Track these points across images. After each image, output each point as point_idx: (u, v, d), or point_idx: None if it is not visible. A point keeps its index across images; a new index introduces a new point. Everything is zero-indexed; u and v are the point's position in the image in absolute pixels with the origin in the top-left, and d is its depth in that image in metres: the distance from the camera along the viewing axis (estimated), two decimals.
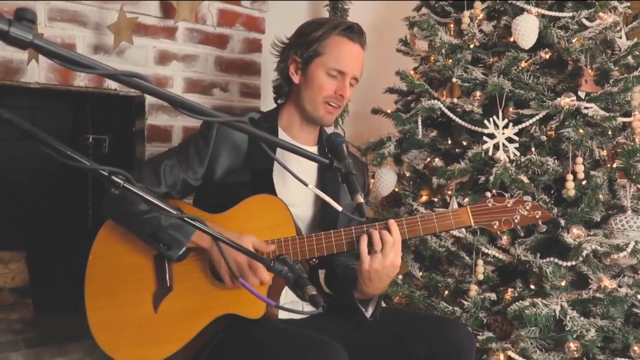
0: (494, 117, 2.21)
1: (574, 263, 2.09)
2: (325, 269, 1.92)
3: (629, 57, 2.24)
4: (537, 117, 2.19)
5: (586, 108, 2.14)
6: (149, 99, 2.39)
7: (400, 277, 2.28)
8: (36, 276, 2.52)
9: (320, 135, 1.91)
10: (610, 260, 2.13)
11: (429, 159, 2.46)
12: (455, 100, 2.31)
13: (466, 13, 2.34)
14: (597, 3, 2.23)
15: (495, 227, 1.69)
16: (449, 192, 2.29)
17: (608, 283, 2.10)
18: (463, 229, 2.16)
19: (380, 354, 1.69)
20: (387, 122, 2.50)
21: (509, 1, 2.28)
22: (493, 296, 2.17)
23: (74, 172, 2.35)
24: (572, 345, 2.01)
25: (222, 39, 2.56)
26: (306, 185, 1.39)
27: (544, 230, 1.80)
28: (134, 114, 2.44)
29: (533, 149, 2.23)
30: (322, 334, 1.57)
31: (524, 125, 2.21)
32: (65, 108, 2.80)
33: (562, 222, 2.13)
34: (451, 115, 2.29)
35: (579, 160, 2.13)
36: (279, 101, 1.95)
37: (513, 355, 2.04)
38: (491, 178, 2.13)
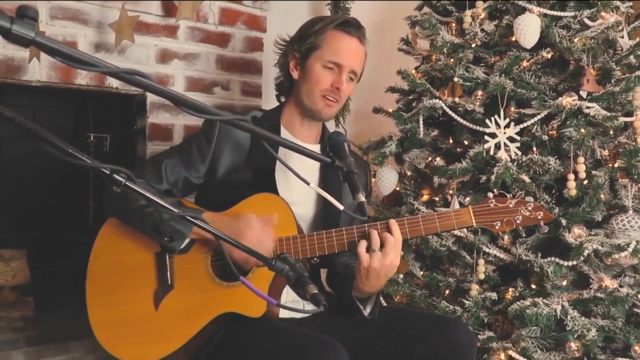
0: (496, 116, 2.21)
1: (575, 263, 2.09)
2: (327, 268, 1.92)
3: (631, 57, 2.23)
4: (539, 117, 2.19)
5: (588, 108, 2.13)
6: (151, 97, 2.39)
7: (401, 276, 2.28)
8: (37, 274, 2.52)
9: (322, 134, 1.91)
10: (612, 260, 2.13)
11: (430, 158, 2.46)
12: (456, 99, 2.31)
13: (468, 12, 2.33)
14: (599, 3, 2.23)
15: (497, 227, 1.69)
16: (450, 192, 2.29)
17: (609, 283, 2.10)
18: (464, 229, 2.16)
19: (381, 353, 1.69)
20: (388, 121, 2.50)
21: (511, 0, 2.27)
22: (494, 296, 2.17)
23: (75, 170, 2.37)
24: (573, 345, 2.01)
25: (223, 37, 2.56)
26: (308, 184, 1.39)
27: (546, 231, 1.80)
28: (136, 112, 2.44)
29: (534, 149, 2.23)
30: (323, 333, 1.57)
31: (525, 124, 2.20)
32: (67, 106, 2.81)
33: (564, 221, 2.13)
34: (453, 114, 2.28)
35: (581, 160, 2.13)
36: (281, 99, 1.95)
37: (514, 354, 2.04)
38: (492, 177, 2.13)
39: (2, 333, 2.23)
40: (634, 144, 2.17)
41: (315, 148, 1.88)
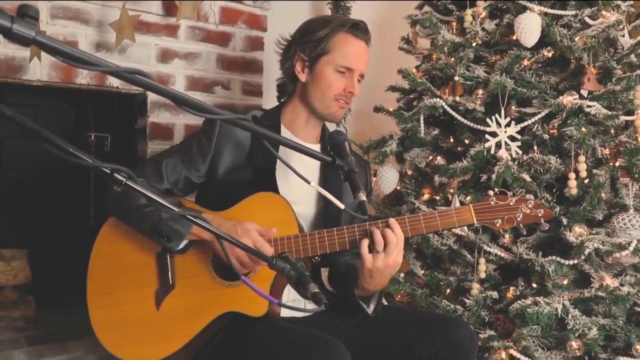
0: (496, 115, 2.21)
1: (576, 261, 2.09)
2: (328, 268, 1.92)
3: (632, 56, 2.23)
4: (540, 116, 2.19)
5: (589, 106, 2.13)
6: (151, 97, 2.39)
7: (402, 275, 2.28)
8: (38, 274, 2.52)
9: (322, 133, 1.91)
10: (613, 258, 2.13)
11: (431, 157, 2.46)
12: (457, 98, 2.31)
13: (469, 11, 2.33)
14: (600, 1, 2.23)
15: (497, 225, 1.69)
16: (451, 191, 2.29)
17: (610, 282, 2.10)
18: (465, 227, 2.16)
19: (383, 352, 1.69)
20: (389, 120, 2.50)
21: None
22: (495, 294, 2.17)
23: (76, 170, 2.37)
24: (574, 344, 2.01)
25: (224, 36, 2.56)
26: (309, 183, 1.39)
27: (546, 228, 1.80)
28: (136, 111, 2.44)
29: (535, 148, 2.23)
30: (324, 332, 1.57)
31: (526, 123, 2.20)
32: (67, 106, 2.81)
33: (564, 220, 2.13)
34: (453, 113, 2.28)
35: (582, 158, 2.13)
36: (282, 99, 1.95)
37: (515, 353, 2.04)
38: (493, 176, 2.13)
39: (3, 333, 2.23)
40: (634, 142, 2.17)
41: (316, 147, 1.88)
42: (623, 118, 2.18)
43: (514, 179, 2.12)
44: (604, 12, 2.23)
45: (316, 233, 1.66)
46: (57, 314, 2.41)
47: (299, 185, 1.60)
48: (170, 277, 1.65)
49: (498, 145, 2.20)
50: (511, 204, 1.70)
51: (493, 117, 2.20)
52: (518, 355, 2.04)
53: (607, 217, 2.18)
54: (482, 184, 2.23)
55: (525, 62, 2.26)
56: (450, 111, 2.29)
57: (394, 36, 2.67)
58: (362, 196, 1.51)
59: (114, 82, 2.27)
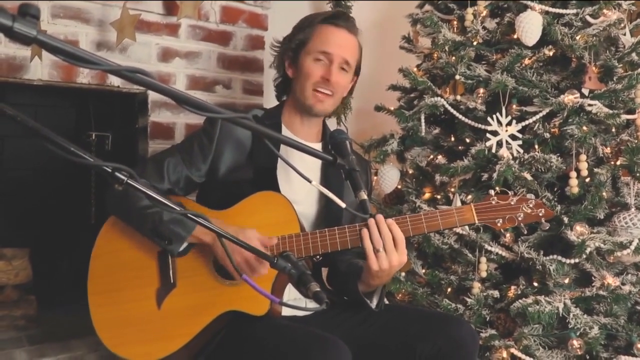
0: (497, 114, 2.20)
1: (577, 260, 2.09)
2: (328, 267, 1.92)
3: (633, 54, 2.23)
4: (541, 115, 2.19)
5: (590, 105, 2.13)
6: (152, 96, 2.39)
7: (403, 274, 2.28)
8: (39, 273, 2.52)
9: (323, 132, 1.91)
10: (614, 257, 2.13)
11: (432, 156, 2.46)
12: (458, 97, 2.31)
13: (469, 10, 2.33)
14: (601, 0, 2.23)
15: (499, 224, 1.69)
16: (452, 190, 2.29)
17: (611, 280, 2.10)
18: (466, 226, 2.16)
19: (384, 351, 1.69)
20: (390, 119, 2.50)
21: None
22: (496, 293, 2.17)
23: (77, 169, 2.37)
24: (576, 343, 2.01)
25: (224, 36, 2.56)
26: (310, 182, 1.39)
27: (547, 228, 1.80)
28: (137, 111, 2.44)
29: (536, 146, 2.23)
30: (325, 331, 1.56)
31: (527, 122, 2.20)
32: (68, 105, 2.80)
33: (566, 219, 2.13)
34: (454, 112, 2.28)
35: (583, 157, 2.13)
36: (282, 98, 1.95)
37: (516, 352, 2.04)
38: (494, 175, 2.13)
39: (4, 332, 2.23)
40: (636, 141, 2.17)
41: (317, 146, 1.87)
42: (624, 117, 2.18)
43: (515, 177, 2.12)
44: (605, 11, 2.23)
45: (317, 232, 1.65)
46: (58, 313, 2.42)
47: (300, 185, 1.60)
48: (171, 275, 1.65)
49: (499, 144, 2.20)
50: (512, 203, 1.70)
51: (494, 116, 2.20)
52: (519, 354, 2.04)
53: (608, 216, 2.18)
54: (483, 183, 2.22)
55: (526, 61, 2.26)
56: (451, 110, 2.29)
57: (394, 35, 2.67)
58: (363, 195, 1.51)
59: (114, 81, 2.27)
